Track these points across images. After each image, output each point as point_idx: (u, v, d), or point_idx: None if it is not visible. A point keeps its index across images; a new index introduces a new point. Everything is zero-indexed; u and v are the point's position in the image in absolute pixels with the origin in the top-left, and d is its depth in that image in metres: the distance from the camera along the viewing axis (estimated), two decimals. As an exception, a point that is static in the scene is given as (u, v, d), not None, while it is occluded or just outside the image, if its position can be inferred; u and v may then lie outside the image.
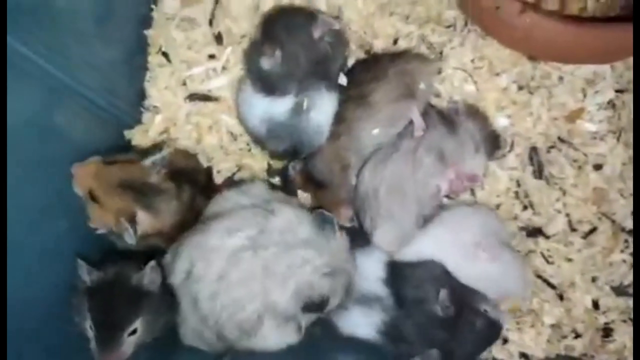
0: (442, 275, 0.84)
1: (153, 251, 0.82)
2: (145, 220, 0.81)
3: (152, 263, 0.78)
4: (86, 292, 0.77)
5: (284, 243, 0.78)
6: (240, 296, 0.76)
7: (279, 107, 0.86)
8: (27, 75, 0.72)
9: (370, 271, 0.88)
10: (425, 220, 0.87)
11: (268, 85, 0.86)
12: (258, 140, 0.92)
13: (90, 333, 0.75)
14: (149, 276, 0.78)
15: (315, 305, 0.79)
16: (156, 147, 0.90)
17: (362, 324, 0.86)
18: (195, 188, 0.88)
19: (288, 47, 0.84)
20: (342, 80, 0.89)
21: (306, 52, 0.85)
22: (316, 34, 0.85)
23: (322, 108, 0.87)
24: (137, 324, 0.76)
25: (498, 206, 0.95)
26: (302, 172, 0.94)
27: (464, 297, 0.83)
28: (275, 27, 0.87)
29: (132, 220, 0.79)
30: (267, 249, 0.77)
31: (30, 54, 0.71)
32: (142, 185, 0.82)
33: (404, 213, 0.86)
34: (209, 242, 0.77)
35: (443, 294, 0.81)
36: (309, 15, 0.87)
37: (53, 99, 0.79)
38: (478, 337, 0.83)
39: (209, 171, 0.96)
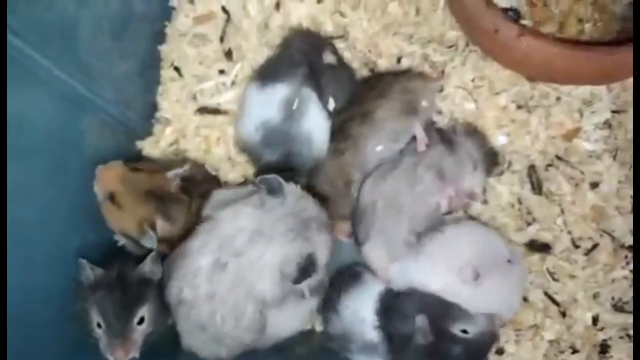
0: (425, 301, 0.82)
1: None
2: (163, 229, 0.84)
3: (153, 254, 0.81)
4: (90, 289, 0.79)
5: (242, 238, 0.78)
6: (235, 303, 0.78)
7: (271, 102, 0.89)
8: (48, 85, 0.75)
9: (367, 313, 0.86)
10: (420, 237, 0.88)
11: (265, 68, 0.91)
12: (253, 153, 0.94)
13: (99, 332, 0.77)
14: (150, 266, 0.81)
15: (303, 271, 0.77)
16: (179, 162, 0.93)
17: None
18: (204, 199, 0.90)
19: (295, 39, 0.93)
20: (331, 105, 0.92)
21: (307, 50, 0.91)
22: (325, 56, 0.90)
23: (312, 116, 0.90)
24: (144, 311, 0.78)
25: (499, 221, 0.97)
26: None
27: (442, 320, 0.80)
28: (295, 36, 0.96)
29: (153, 227, 0.82)
30: (236, 251, 0.77)
31: (52, 66, 0.75)
32: (164, 195, 0.85)
33: (396, 229, 0.88)
34: (188, 266, 0.79)
35: (420, 319, 0.79)
36: (328, 42, 0.95)
37: (70, 109, 0.82)
38: None
39: (218, 180, 0.99)
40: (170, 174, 0.87)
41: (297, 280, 0.77)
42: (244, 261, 0.77)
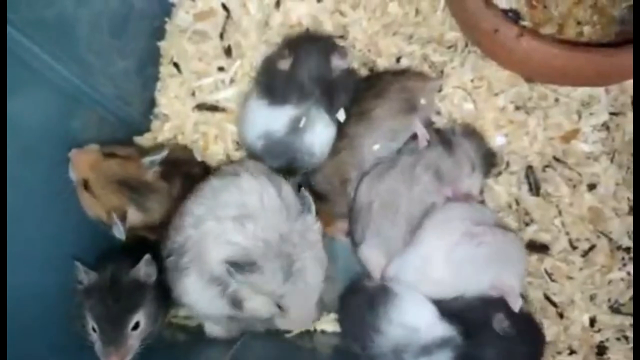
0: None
1: (147, 246, 0.84)
2: (135, 218, 0.83)
3: (147, 256, 0.80)
4: (85, 293, 0.78)
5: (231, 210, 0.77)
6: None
7: (278, 119, 0.88)
8: (47, 80, 0.76)
9: (419, 318, 0.83)
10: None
11: (273, 88, 0.89)
12: (254, 156, 0.94)
13: (94, 336, 0.76)
14: (144, 269, 0.80)
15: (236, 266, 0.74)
16: (157, 148, 0.91)
17: None
18: (187, 180, 0.89)
19: (303, 57, 0.88)
20: (341, 116, 0.91)
21: (318, 71, 0.88)
22: (334, 62, 0.89)
23: (318, 131, 0.89)
24: (139, 316, 0.77)
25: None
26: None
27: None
28: (298, 40, 0.93)
29: (123, 217, 0.81)
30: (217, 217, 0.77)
31: (53, 62, 0.75)
32: (138, 184, 0.84)
33: (392, 230, 0.88)
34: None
35: (498, 320, 0.80)
36: (333, 44, 0.93)
37: (68, 104, 0.82)
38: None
39: (204, 164, 0.98)
40: (145, 160, 0.85)
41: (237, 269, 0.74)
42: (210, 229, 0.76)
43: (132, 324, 0.77)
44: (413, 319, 0.83)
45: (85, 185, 0.81)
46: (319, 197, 0.94)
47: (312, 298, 0.80)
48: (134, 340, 0.77)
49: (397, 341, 0.82)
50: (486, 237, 0.83)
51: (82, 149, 0.82)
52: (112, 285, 0.78)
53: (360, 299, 0.88)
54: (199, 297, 0.80)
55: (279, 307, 0.77)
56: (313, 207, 0.80)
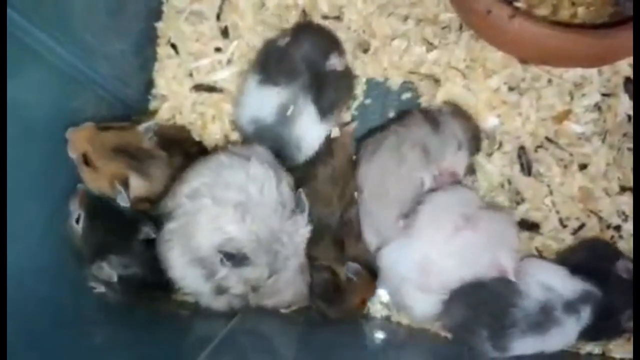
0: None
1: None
2: (137, 185, 0.84)
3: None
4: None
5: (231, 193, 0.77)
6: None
7: (267, 103, 0.89)
8: (44, 60, 0.77)
9: (551, 278, 0.86)
10: (407, 217, 0.88)
11: (267, 63, 0.90)
12: (248, 140, 0.94)
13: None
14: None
15: (229, 256, 0.75)
16: (150, 115, 0.94)
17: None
18: (186, 158, 0.90)
19: (302, 37, 0.90)
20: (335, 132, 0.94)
21: (312, 55, 0.89)
22: (331, 59, 0.89)
23: (304, 125, 0.89)
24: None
25: (489, 201, 0.98)
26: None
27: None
28: (306, 25, 0.95)
29: (125, 184, 0.82)
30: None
31: (51, 42, 0.76)
32: (136, 150, 0.85)
33: (384, 213, 0.88)
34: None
35: (621, 264, 0.86)
36: (337, 44, 0.93)
37: (68, 85, 0.84)
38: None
39: (202, 145, 1.00)
40: (141, 127, 0.87)
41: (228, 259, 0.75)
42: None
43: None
44: (545, 278, 0.86)
45: (85, 159, 0.83)
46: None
47: (286, 295, 0.84)
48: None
49: (543, 301, 0.84)
50: (478, 224, 0.84)
51: (77, 127, 0.83)
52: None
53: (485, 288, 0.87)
54: (183, 275, 0.80)
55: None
56: (307, 208, 0.81)
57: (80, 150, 0.82)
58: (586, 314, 0.85)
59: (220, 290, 0.80)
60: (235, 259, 0.74)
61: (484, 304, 0.86)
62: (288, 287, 0.84)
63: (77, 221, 0.82)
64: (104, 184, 0.83)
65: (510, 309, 0.84)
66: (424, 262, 0.84)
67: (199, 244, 0.76)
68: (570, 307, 0.84)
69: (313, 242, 0.85)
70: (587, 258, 0.92)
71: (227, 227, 0.75)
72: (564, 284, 0.86)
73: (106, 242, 0.81)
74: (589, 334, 0.87)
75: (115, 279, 0.80)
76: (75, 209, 0.83)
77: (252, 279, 0.77)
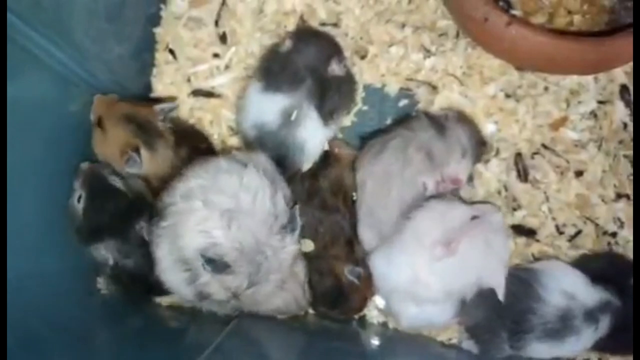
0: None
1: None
2: (146, 159, 0.86)
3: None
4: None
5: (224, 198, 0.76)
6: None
7: (270, 108, 0.89)
8: (44, 64, 0.77)
9: (573, 284, 0.86)
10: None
11: (270, 70, 0.90)
12: (249, 145, 0.94)
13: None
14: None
15: (209, 261, 0.73)
16: (170, 99, 0.98)
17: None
18: (193, 152, 0.90)
19: (304, 43, 0.90)
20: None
21: (315, 61, 0.89)
22: (332, 64, 0.90)
23: (309, 129, 0.89)
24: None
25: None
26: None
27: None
28: (307, 31, 0.96)
29: (137, 152, 0.85)
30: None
31: (50, 46, 0.76)
32: (147, 125, 0.88)
33: (385, 213, 0.88)
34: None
35: None
36: (338, 49, 0.94)
37: (67, 88, 0.84)
38: None
39: (211, 144, 1.00)
40: (157, 107, 0.90)
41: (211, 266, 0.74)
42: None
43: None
44: (568, 285, 0.86)
45: (100, 123, 0.87)
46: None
47: (270, 305, 0.86)
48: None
49: (563, 308, 0.84)
50: (457, 249, 0.81)
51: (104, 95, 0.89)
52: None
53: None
54: (169, 275, 0.80)
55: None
56: (298, 227, 0.79)
57: (97, 114, 0.87)
58: (605, 323, 0.85)
59: (203, 296, 0.79)
60: (215, 265, 0.73)
61: (506, 307, 0.85)
62: (268, 300, 0.84)
63: (79, 200, 0.83)
64: (110, 151, 0.86)
65: (528, 315, 0.85)
66: (411, 277, 0.83)
67: (185, 245, 0.75)
68: (591, 315, 0.84)
69: (332, 243, 0.90)
70: (603, 269, 0.91)
71: (213, 231, 0.74)
72: (586, 292, 0.86)
73: (105, 224, 0.83)
74: (607, 346, 0.88)
75: (111, 261, 0.82)
76: (77, 188, 0.84)
77: (231, 287, 0.76)
